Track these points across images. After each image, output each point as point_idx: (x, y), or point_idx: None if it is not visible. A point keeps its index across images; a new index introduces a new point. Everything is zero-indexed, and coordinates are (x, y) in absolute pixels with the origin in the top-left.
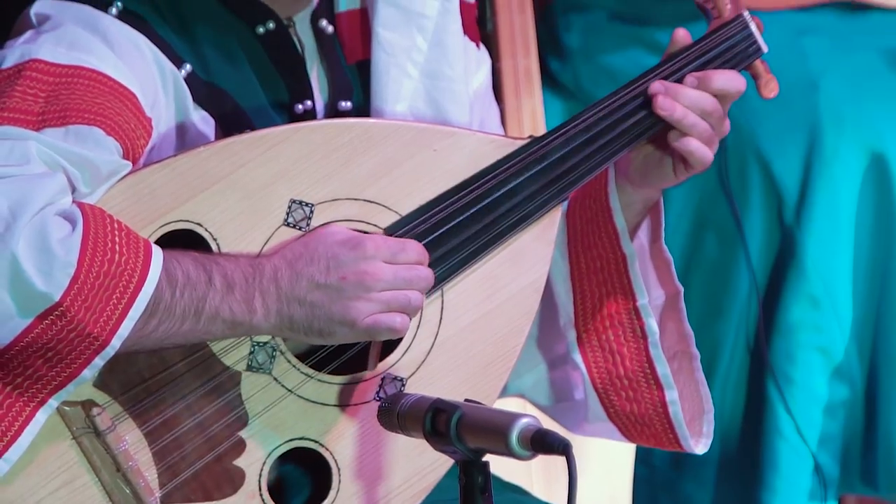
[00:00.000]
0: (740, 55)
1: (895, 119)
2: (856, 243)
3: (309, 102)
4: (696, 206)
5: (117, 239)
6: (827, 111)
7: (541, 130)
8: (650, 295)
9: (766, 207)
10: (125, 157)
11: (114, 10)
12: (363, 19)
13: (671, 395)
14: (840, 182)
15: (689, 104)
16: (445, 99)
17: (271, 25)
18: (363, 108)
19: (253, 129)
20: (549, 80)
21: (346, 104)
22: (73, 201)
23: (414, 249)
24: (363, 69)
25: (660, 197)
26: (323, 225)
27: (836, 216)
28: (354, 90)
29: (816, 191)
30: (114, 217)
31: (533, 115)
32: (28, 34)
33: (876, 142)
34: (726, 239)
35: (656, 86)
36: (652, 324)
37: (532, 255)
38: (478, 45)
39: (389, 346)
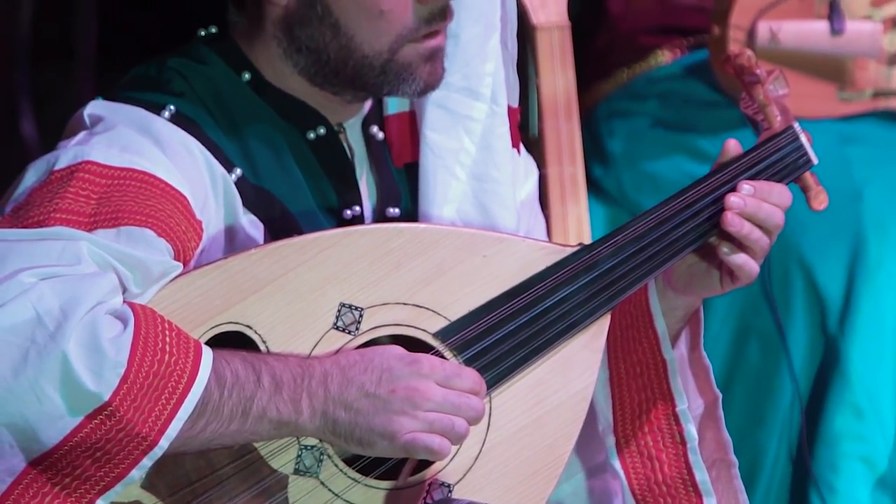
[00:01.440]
0: (791, 167)
1: None
2: None
3: (357, 208)
4: (738, 314)
5: (167, 339)
6: (871, 220)
7: (586, 237)
8: (690, 404)
9: (810, 316)
10: (176, 258)
11: (166, 114)
12: (412, 122)
13: (709, 503)
14: (884, 291)
15: (763, 217)
16: (492, 201)
17: (322, 131)
18: (411, 214)
19: (301, 233)
20: (592, 186)
21: (394, 210)
22: (124, 301)
23: (470, 377)
24: (411, 171)
25: (700, 305)
26: (379, 338)
27: (880, 325)
28: (402, 196)
29: (860, 300)
30: (164, 317)
31: (578, 222)
32: (81, 135)
33: None
34: (769, 347)
35: (735, 200)
36: (691, 429)
37: (580, 363)
38: (518, 150)
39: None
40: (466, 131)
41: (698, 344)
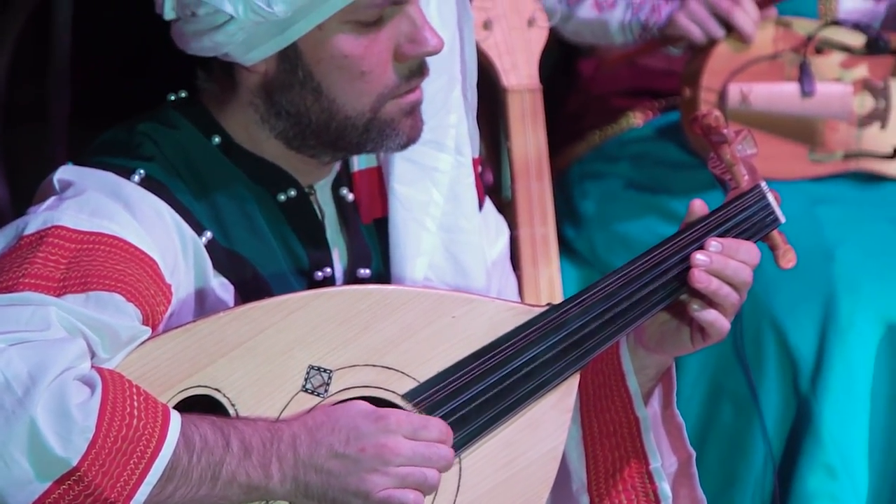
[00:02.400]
0: (758, 225)
1: None
2: (872, 412)
3: (328, 269)
4: (711, 375)
5: (136, 403)
6: (842, 281)
7: (558, 298)
8: (663, 462)
9: (782, 376)
10: (145, 322)
11: (136, 178)
12: (379, 177)
13: None
14: (856, 351)
15: (731, 274)
16: (463, 252)
17: (293, 193)
18: (382, 274)
19: (272, 295)
20: (565, 247)
21: (364, 271)
22: (92, 366)
23: (436, 427)
24: (380, 227)
25: (672, 363)
26: (348, 399)
27: (851, 385)
28: (373, 257)
29: (832, 360)
30: (132, 382)
31: (550, 283)
32: (51, 200)
33: (891, 311)
34: (742, 407)
35: (700, 258)
36: (665, 488)
37: (550, 422)
38: (482, 201)
39: None
40: (434, 183)
41: (671, 402)
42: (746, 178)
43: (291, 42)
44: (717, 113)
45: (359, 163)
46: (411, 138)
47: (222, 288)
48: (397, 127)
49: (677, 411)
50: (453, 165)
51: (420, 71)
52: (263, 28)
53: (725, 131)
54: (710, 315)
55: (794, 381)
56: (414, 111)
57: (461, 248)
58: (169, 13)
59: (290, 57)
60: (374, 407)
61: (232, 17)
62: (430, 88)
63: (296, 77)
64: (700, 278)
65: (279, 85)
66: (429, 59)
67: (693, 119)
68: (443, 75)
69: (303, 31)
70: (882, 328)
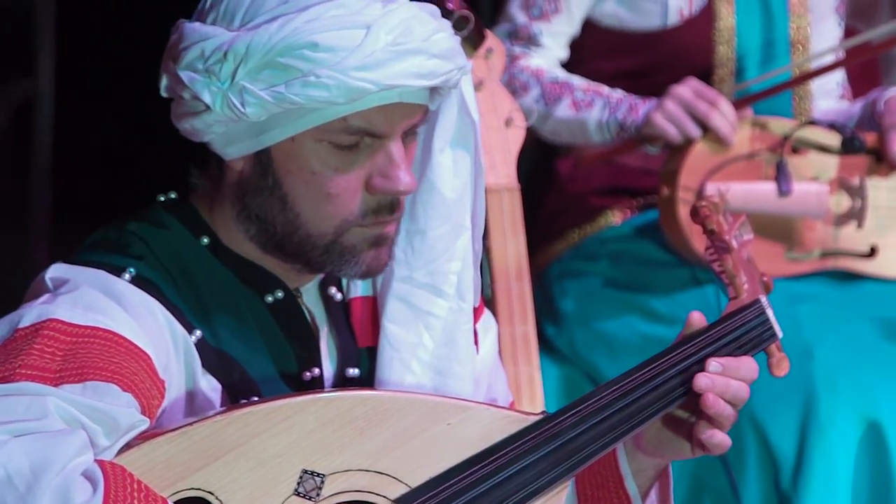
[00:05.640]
0: (756, 340)
1: (889, 387)
2: None
3: (317, 370)
4: (692, 473)
5: (136, 499)
6: (822, 379)
7: (538, 397)
8: None
9: (763, 474)
10: (143, 413)
11: (127, 276)
12: (374, 307)
13: None
14: (836, 449)
15: (731, 397)
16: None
17: (280, 294)
18: (371, 374)
19: (260, 396)
20: (545, 345)
21: (353, 371)
22: (95, 459)
23: None
24: (372, 354)
25: (668, 462)
26: None
27: (833, 483)
28: (362, 356)
29: (813, 458)
30: (133, 476)
31: (530, 381)
32: (45, 296)
33: (871, 409)
34: None
35: (705, 382)
36: None
37: None
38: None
39: None
40: (426, 327)
41: (668, 499)
42: (747, 287)
43: (265, 147)
44: (718, 217)
45: (357, 289)
46: (371, 269)
47: (210, 388)
48: (358, 256)
49: None
50: (452, 310)
51: (390, 208)
52: (241, 126)
53: (727, 238)
54: (716, 438)
55: (776, 479)
56: (380, 243)
57: (450, 392)
58: (163, 91)
59: (262, 161)
60: None
61: (208, 108)
62: (432, 234)
63: (266, 182)
64: (715, 404)
65: (251, 187)
66: (433, 205)
67: (696, 220)
68: (448, 222)
69: (276, 139)
70: (862, 426)
